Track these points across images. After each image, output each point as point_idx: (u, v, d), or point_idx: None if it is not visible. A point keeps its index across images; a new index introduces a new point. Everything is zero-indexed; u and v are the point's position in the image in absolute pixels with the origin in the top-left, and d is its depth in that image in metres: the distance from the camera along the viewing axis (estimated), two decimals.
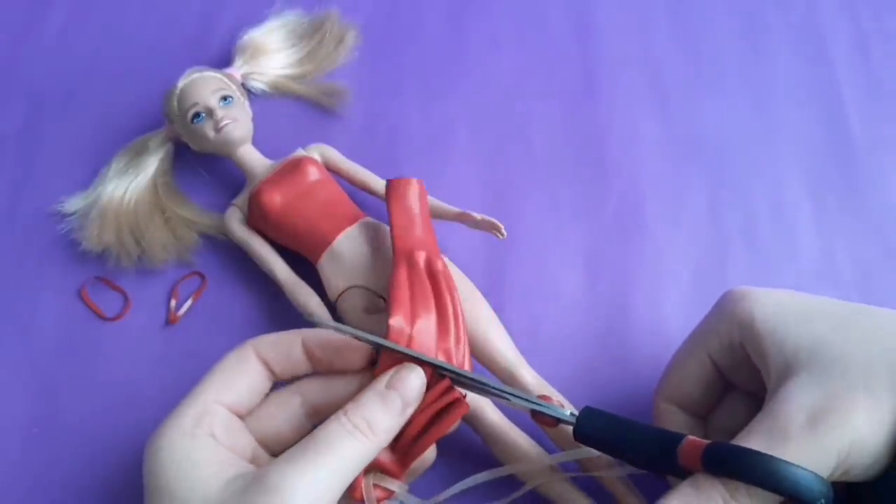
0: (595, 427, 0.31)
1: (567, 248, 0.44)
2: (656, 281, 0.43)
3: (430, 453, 0.32)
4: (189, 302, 0.42)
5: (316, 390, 0.31)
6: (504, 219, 0.40)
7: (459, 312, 0.36)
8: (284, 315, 0.41)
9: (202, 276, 0.43)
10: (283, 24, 0.50)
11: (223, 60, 0.48)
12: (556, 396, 0.37)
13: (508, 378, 0.37)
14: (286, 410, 0.31)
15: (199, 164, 0.46)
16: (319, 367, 0.31)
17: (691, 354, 0.33)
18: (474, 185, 0.46)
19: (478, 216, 0.40)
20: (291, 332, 0.31)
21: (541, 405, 0.31)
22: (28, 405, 0.40)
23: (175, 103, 0.43)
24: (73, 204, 0.44)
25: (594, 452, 0.34)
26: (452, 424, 0.30)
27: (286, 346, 0.31)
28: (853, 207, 0.45)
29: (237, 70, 0.47)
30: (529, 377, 0.37)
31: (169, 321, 0.42)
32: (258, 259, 0.41)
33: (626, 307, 0.42)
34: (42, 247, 0.44)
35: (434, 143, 0.47)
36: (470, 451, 0.38)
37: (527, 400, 0.31)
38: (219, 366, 0.30)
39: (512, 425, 0.37)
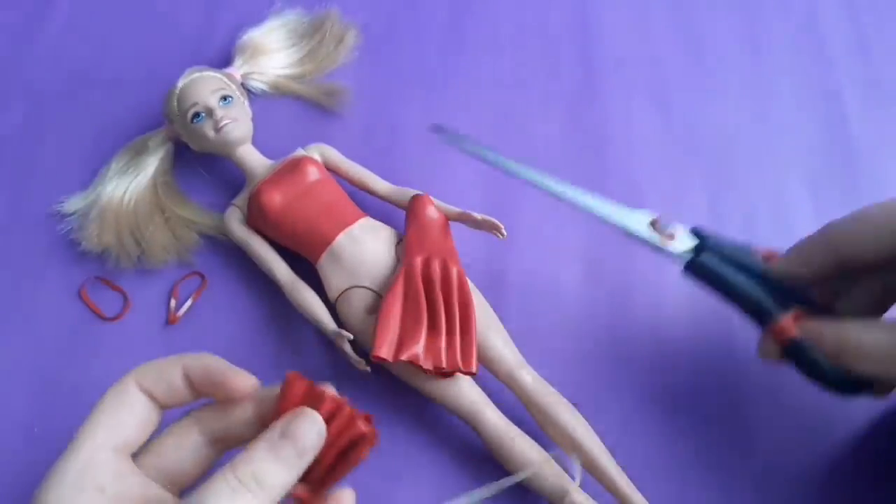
0: (708, 265, 0.34)
1: (567, 248, 0.44)
2: (656, 281, 0.43)
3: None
4: (189, 302, 0.42)
5: (212, 419, 0.29)
6: (504, 219, 0.40)
7: (455, 314, 0.37)
8: (284, 315, 0.41)
9: (202, 276, 0.43)
10: (283, 24, 0.50)
11: (223, 60, 0.48)
12: (556, 396, 0.37)
13: (508, 378, 0.37)
14: (185, 442, 0.29)
15: (198, 164, 0.46)
16: (203, 397, 0.29)
17: (882, 217, 0.32)
18: (474, 185, 0.46)
19: (478, 216, 0.40)
20: (172, 359, 0.29)
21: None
22: (28, 405, 0.40)
23: (175, 103, 0.43)
24: (73, 204, 0.44)
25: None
26: (360, 459, 0.28)
27: (166, 375, 0.28)
28: (853, 207, 0.44)
29: (237, 70, 0.46)
30: (529, 378, 0.37)
31: (169, 321, 0.42)
32: (258, 259, 0.41)
33: (626, 307, 0.42)
34: (42, 247, 0.44)
35: (434, 143, 0.47)
36: (471, 452, 0.38)
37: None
38: (100, 405, 0.28)
39: (512, 426, 0.36)
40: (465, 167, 0.46)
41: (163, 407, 0.29)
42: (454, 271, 0.38)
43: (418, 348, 0.36)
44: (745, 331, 0.42)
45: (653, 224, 0.36)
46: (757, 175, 0.46)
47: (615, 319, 0.42)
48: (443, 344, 0.36)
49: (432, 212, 0.41)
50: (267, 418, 0.27)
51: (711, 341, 0.41)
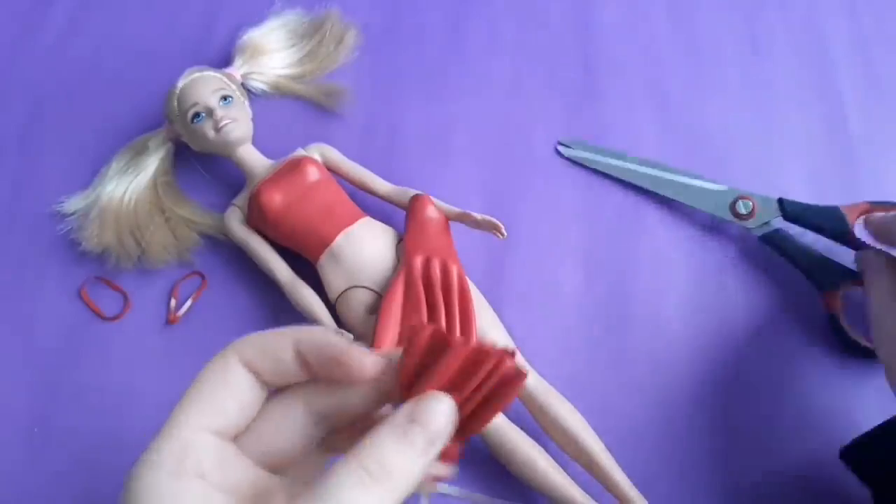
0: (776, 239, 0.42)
1: (567, 248, 0.44)
2: (656, 280, 0.43)
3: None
4: (189, 302, 0.42)
5: (320, 393, 0.26)
6: (504, 219, 0.40)
7: (455, 314, 0.37)
8: (285, 315, 0.41)
9: (202, 276, 0.43)
10: (283, 24, 0.50)
11: (223, 60, 0.48)
12: (556, 396, 0.37)
13: None
14: (288, 420, 0.26)
15: (199, 164, 0.46)
16: (317, 377, 0.26)
17: None
18: (474, 185, 0.46)
19: (478, 216, 0.40)
20: (281, 332, 0.26)
21: None
22: (28, 405, 0.40)
23: (175, 103, 0.43)
24: (73, 204, 0.44)
25: None
26: (509, 401, 0.25)
27: (275, 351, 0.25)
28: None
29: (237, 70, 0.46)
30: (529, 378, 0.37)
31: (169, 321, 0.42)
32: (258, 259, 0.41)
33: (627, 307, 0.42)
34: (42, 247, 0.44)
35: (434, 143, 0.47)
36: (471, 451, 0.38)
37: None
38: (199, 382, 0.25)
39: (513, 426, 0.37)
40: (465, 167, 0.46)
41: (269, 386, 0.26)
42: (454, 271, 0.38)
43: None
44: (745, 330, 0.42)
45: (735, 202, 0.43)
46: (757, 174, 0.46)
47: (615, 319, 0.42)
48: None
49: (432, 211, 0.41)
50: (386, 390, 0.25)
51: (712, 341, 0.41)
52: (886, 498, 0.30)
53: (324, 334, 0.25)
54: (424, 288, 0.38)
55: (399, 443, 0.23)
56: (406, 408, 0.23)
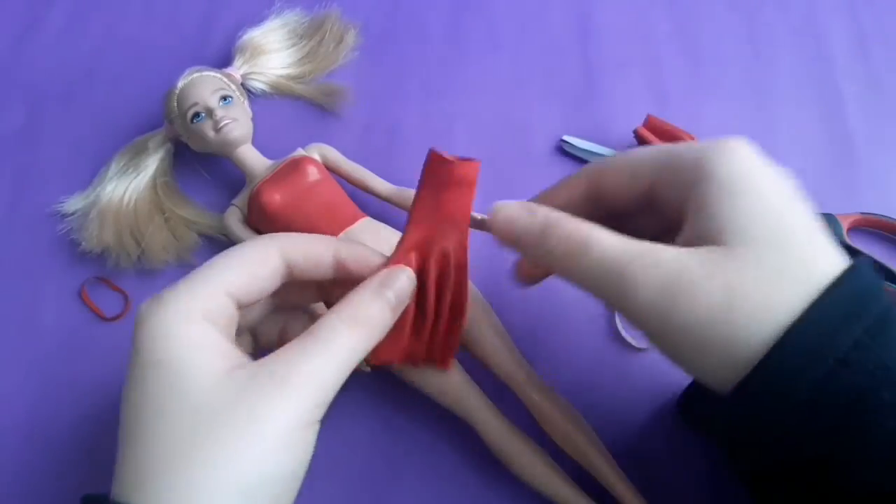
0: None
1: None
2: None
3: None
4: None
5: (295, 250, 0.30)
6: None
7: (445, 308, 0.33)
8: None
9: None
10: (282, 24, 0.50)
11: (223, 60, 0.48)
12: (556, 396, 0.37)
13: (508, 378, 0.37)
14: (266, 269, 0.30)
15: (198, 164, 0.46)
16: (345, 279, 0.31)
17: (641, 161, 0.31)
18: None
19: (479, 216, 0.40)
20: (324, 240, 0.31)
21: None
22: (28, 405, 0.40)
23: (175, 103, 0.43)
24: (73, 204, 0.44)
25: None
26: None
27: (317, 255, 0.30)
28: (853, 207, 0.44)
29: (237, 70, 0.46)
30: (529, 378, 0.37)
31: None
32: None
33: None
34: (42, 247, 0.44)
35: (434, 142, 0.47)
36: (472, 451, 0.38)
37: None
38: (235, 251, 0.29)
39: (512, 426, 0.37)
40: None
41: (296, 278, 0.30)
42: (452, 268, 0.33)
43: (399, 347, 0.33)
44: None
45: None
46: None
47: (615, 319, 0.42)
48: (426, 339, 0.34)
49: (465, 172, 0.32)
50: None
51: None
52: (726, 445, 0.30)
53: (361, 248, 0.31)
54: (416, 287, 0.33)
55: (374, 297, 0.29)
56: (378, 275, 0.30)
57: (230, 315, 0.28)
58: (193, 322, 0.27)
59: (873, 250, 0.43)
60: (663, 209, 0.30)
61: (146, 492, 0.24)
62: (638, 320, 0.28)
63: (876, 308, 0.25)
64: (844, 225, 0.42)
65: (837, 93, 0.49)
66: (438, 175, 0.32)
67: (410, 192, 0.42)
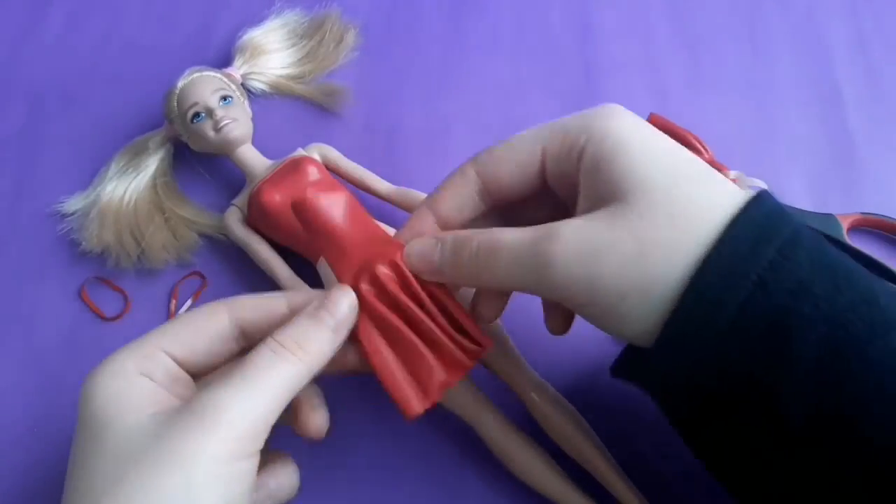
0: None
1: None
2: None
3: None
4: (189, 302, 0.42)
5: (246, 309, 0.29)
6: None
7: (435, 311, 0.31)
8: None
9: (202, 277, 0.43)
10: (282, 24, 0.50)
11: (223, 60, 0.48)
12: (557, 396, 0.37)
13: (508, 378, 0.37)
14: (214, 330, 0.29)
15: (198, 164, 0.46)
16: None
17: (529, 139, 0.30)
18: None
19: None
20: (274, 294, 0.30)
21: None
22: (28, 405, 0.40)
23: (175, 103, 0.43)
24: (73, 204, 0.44)
25: None
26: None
27: (268, 309, 0.29)
28: (853, 207, 0.44)
29: (237, 70, 0.46)
30: (529, 377, 0.37)
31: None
32: (258, 259, 0.41)
33: None
34: (42, 247, 0.44)
35: (434, 143, 0.47)
36: (472, 451, 0.38)
37: None
38: (183, 316, 0.29)
39: (513, 426, 0.36)
40: None
41: (246, 342, 0.29)
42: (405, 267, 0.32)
43: (439, 374, 0.31)
44: None
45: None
46: (757, 175, 0.46)
47: None
48: (451, 345, 0.32)
49: (333, 204, 0.36)
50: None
51: None
52: (668, 400, 0.30)
53: (312, 292, 0.31)
54: (389, 306, 0.31)
55: (311, 323, 0.28)
56: (317, 299, 0.29)
57: (168, 370, 0.28)
58: (122, 377, 0.27)
59: (873, 250, 0.43)
60: (558, 186, 0.30)
61: None
62: (563, 297, 0.28)
63: (786, 229, 0.25)
64: (844, 225, 0.42)
65: (837, 93, 0.49)
66: (312, 215, 0.35)
67: (411, 192, 0.42)
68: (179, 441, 0.24)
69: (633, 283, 0.26)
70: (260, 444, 0.26)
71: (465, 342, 0.32)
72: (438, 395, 0.31)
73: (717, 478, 0.30)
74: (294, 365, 0.27)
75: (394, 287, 0.31)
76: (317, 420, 0.30)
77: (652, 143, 0.28)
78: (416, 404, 0.31)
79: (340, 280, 0.33)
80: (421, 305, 0.31)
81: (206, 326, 0.29)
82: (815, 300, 0.24)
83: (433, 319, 0.31)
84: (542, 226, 0.28)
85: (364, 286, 0.31)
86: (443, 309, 0.32)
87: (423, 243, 0.31)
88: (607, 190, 0.27)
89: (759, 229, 0.25)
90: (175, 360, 0.28)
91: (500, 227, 0.29)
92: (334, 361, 0.29)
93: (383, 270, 0.31)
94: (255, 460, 0.26)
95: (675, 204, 0.26)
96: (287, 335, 0.27)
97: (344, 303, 0.29)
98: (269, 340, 0.27)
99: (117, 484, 0.24)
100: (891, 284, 0.26)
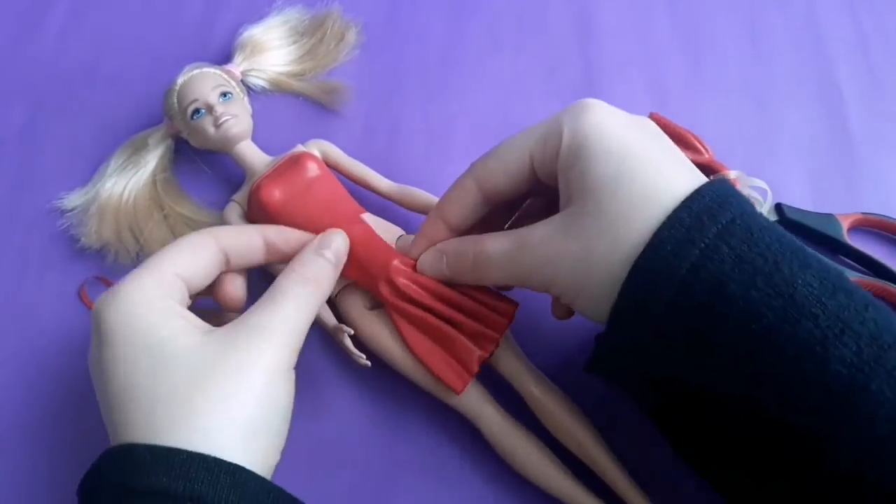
0: None
1: None
2: None
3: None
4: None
5: (230, 237, 0.34)
6: None
7: (455, 296, 0.36)
8: None
9: None
10: (283, 21, 0.50)
11: (223, 57, 0.48)
12: (557, 392, 0.37)
13: (509, 374, 0.37)
14: (205, 257, 0.33)
15: (198, 160, 0.46)
16: (279, 259, 0.35)
17: (517, 147, 0.33)
18: None
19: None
20: (251, 226, 0.36)
21: None
22: (28, 405, 0.40)
23: (174, 99, 0.43)
24: (73, 200, 0.44)
25: None
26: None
27: (248, 239, 0.34)
28: (853, 207, 0.44)
29: (237, 67, 0.46)
30: (530, 374, 0.37)
31: None
32: None
33: None
34: (42, 243, 0.44)
35: (434, 141, 0.47)
36: (472, 448, 0.38)
37: None
38: (178, 244, 0.32)
39: (514, 422, 0.36)
40: (465, 166, 0.46)
41: (229, 267, 0.34)
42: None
43: (475, 351, 0.36)
44: None
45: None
46: (757, 175, 0.46)
47: None
48: (477, 325, 0.36)
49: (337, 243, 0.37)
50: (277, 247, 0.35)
51: None
52: (635, 394, 0.33)
53: (285, 229, 0.36)
54: (415, 304, 0.36)
55: (315, 257, 0.33)
56: (316, 238, 0.35)
57: (183, 295, 0.31)
58: (157, 298, 0.29)
59: (873, 250, 0.43)
60: (549, 183, 0.32)
61: (164, 437, 0.26)
62: (542, 291, 0.32)
63: (715, 225, 0.27)
64: (844, 225, 0.42)
65: (837, 93, 0.49)
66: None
67: (411, 190, 0.42)
68: (244, 353, 0.28)
69: (583, 284, 0.29)
70: (297, 357, 0.30)
71: (492, 315, 0.36)
72: (477, 367, 0.36)
73: (692, 468, 0.33)
74: (313, 294, 0.32)
75: (414, 290, 0.36)
76: (236, 290, 0.34)
77: (608, 141, 0.29)
78: (459, 380, 0.36)
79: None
80: (442, 298, 0.36)
81: (202, 253, 0.32)
82: (730, 297, 0.26)
83: (457, 306, 0.36)
84: (518, 233, 0.32)
85: (386, 290, 0.36)
86: (465, 294, 0.36)
87: (430, 257, 0.36)
88: (573, 189, 0.30)
89: (687, 231, 0.27)
90: (184, 282, 0.31)
91: (490, 236, 0.33)
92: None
93: (401, 280, 0.36)
94: (293, 376, 0.30)
95: (619, 202, 0.28)
96: (301, 268, 0.32)
97: (339, 240, 0.35)
98: (292, 274, 0.32)
99: (196, 392, 0.27)
100: (825, 261, 0.27)
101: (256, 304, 0.31)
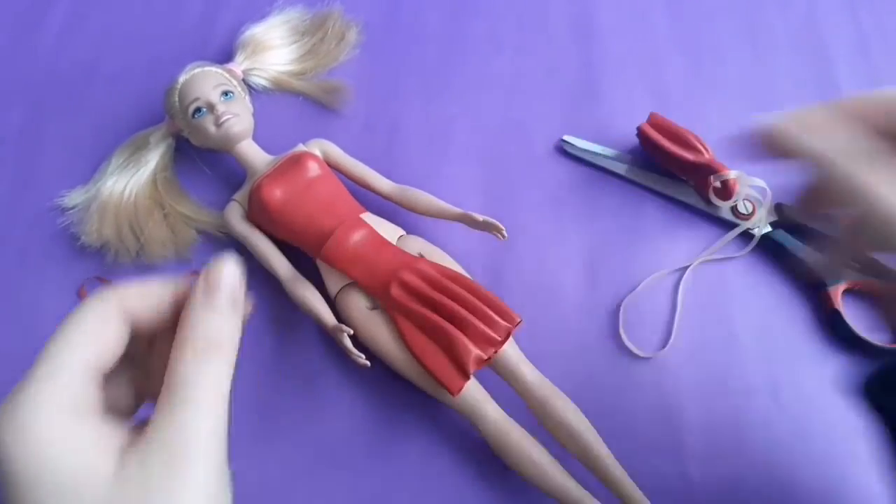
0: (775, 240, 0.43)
1: (567, 249, 0.44)
2: (657, 281, 0.43)
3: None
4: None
5: (135, 298, 0.26)
6: (504, 217, 0.40)
7: (462, 294, 0.37)
8: (284, 312, 0.41)
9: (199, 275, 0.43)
10: (284, 21, 0.50)
11: (224, 56, 0.48)
12: (555, 391, 0.37)
13: (507, 373, 0.37)
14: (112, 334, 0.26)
15: (199, 159, 0.46)
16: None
17: None
18: (474, 184, 0.46)
19: (479, 217, 0.40)
20: (158, 281, 0.27)
21: None
22: None
23: (176, 98, 0.43)
24: (74, 198, 0.44)
25: None
26: None
27: (154, 297, 0.26)
28: None
29: (238, 66, 0.46)
30: (528, 373, 0.37)
31: None
32: (258, 254, 0.41)
33: (626, 305, 0.42)
34: (43, 241, 0.44)
35: (434, 141, 0.47)
36: (471, 447, 0.38)
37: None
38: (78, 320, 0.26)
39: (512, 421, 0.36)
40: (465, 166, 0.46)
41: (139, 330, 0.26)
42: (424, 265, 0.38)
43: (473, 351, 0.36)
44: (745, 330, 0.42)
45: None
46: (756, 174, 0.46)
47: (614, 319, 0.42)
48: (481, 325, 0.36)
49: (349, 232, 0.39)
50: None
51: (713, 340, 0.41)
52: None
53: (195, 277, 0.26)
54: (418, 300, 0.37)
55: (205, 315, 0.25)
56: (200, 280, 0.25)
57: (95, 392, 0.25)
58: (61, 412, 0.23)
59: None
60: None
61: None
62: None
63: None
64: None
65: (837, 93, 0.49)
66: None
67: (411, 190, 0.42)
68: (168, 493, 0.23)
69: None
70: (227, 433, 0.24)
71: (496, 318, 0.36)
72: (474, 368, 0.36)
73: None
74: (219, 364, 0.25)
75: (424, 288, 0.37)
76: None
77: None
78: (456, 381, 0.36)
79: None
80: (450, 297, 0.36)
81: (107, 331, 0.26)
82: None
83: (463, 305, 0.36)
84: None
85: (395, 291, 0.37)
86: (473, 292, 0.37)
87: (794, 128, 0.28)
88: None
89: None
90: (93, 369, 0.25)
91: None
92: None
93: (411, 277, 0.37)
94: (229, 472, 0.24)
95: None
96: (197, 336, 0.25)
97: (228, 274, 0.26)
98: (185, 348, 0.24)
99: None
100: None
101: (160, 405, 0.24)
